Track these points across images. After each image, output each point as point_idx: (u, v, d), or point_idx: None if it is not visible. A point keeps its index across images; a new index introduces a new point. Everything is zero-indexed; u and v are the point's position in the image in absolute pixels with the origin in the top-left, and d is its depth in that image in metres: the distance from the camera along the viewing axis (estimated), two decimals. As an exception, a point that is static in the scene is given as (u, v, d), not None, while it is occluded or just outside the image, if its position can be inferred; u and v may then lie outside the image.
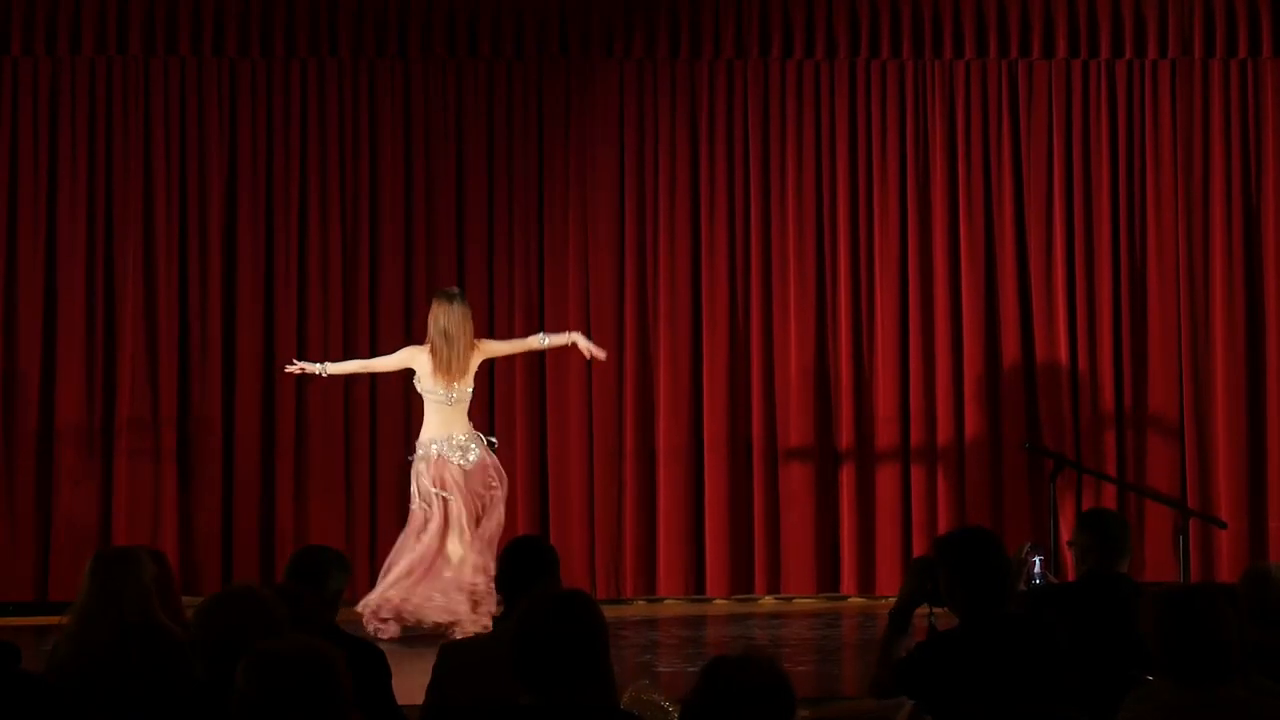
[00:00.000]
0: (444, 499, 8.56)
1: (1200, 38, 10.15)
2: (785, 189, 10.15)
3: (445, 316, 8.60)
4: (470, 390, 8.71)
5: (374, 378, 9.82)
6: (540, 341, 8.97)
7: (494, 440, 8.90)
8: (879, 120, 10.21)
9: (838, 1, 10.10)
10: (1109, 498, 9.89)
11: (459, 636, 8.05)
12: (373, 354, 9.87)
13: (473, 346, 8.67)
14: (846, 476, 10.06)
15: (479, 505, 8.59)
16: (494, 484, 8.66)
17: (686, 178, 10.18)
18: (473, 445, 8.64)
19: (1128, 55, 10.19)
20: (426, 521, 8.58)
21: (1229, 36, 10.15)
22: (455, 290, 8.81)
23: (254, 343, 9.89)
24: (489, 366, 10.01)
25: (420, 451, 8.67)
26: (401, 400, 9.87)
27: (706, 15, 10.09)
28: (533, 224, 10.11)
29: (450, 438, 8.61)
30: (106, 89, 9.92)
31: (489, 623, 8.31)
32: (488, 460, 8.67)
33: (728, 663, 3.29)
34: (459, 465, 8.58)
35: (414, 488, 8.66)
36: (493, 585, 8.35)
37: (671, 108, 10.19)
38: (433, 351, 8.62)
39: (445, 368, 8.60)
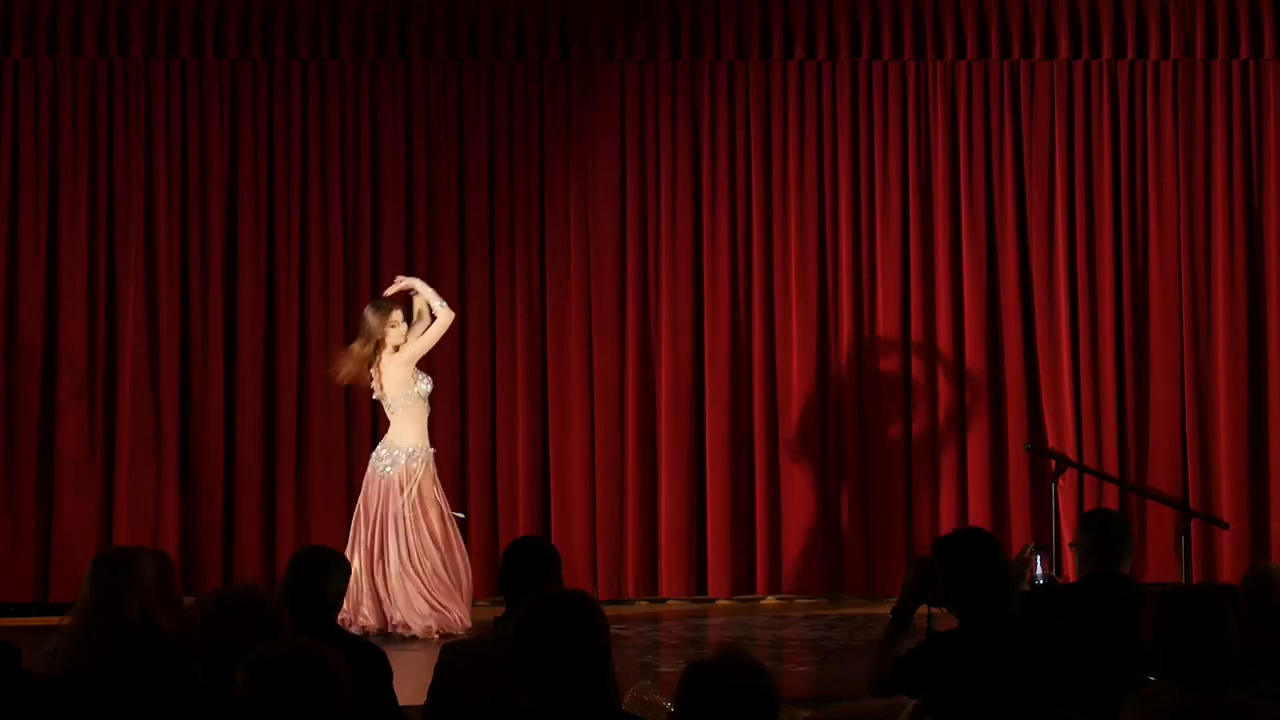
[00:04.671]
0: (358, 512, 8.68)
1: (1202, 38, 10.14)
2: (787, 189, 10.15)
3: (366, 325, 8.70)
4: (394, 402, 8.67)
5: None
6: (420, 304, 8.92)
7: (461, 515, 8.90)
8: (880, 121, 10.20)
9: (838, 2, 10.09)
10: (1110, 498, 9.89)
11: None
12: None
13: (379, 356, 8.67)
14: (848, 476, 10.05)
15: (379, 525, 8.57)
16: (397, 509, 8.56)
17: (688, 178, 10.17)
18: (388, 460, 8.59)
19: (1129, 56, 10.18)
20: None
21: (1231, 37, 10.15)
22: (382, 302, 8.83)
23: (255, 343, 9.89)
24: (489, 368, 10.02)
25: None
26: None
27: (707, 16, 10.08)
28: (534, 225, 10.11)
29: (379, 447, 8.72)
30: (108, 91, 9.92)
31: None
32: (398, 479, 8.58)
33: (706, 666, 3.28)
34: (376, 471, 8.65)
35: None
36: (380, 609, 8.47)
37: (673, 108, 10.18)
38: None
39: (365, 373, 8.74)
